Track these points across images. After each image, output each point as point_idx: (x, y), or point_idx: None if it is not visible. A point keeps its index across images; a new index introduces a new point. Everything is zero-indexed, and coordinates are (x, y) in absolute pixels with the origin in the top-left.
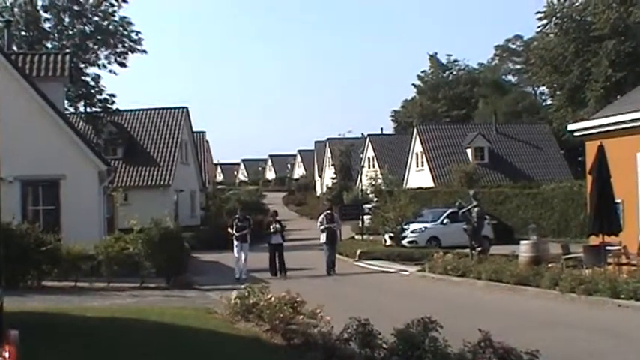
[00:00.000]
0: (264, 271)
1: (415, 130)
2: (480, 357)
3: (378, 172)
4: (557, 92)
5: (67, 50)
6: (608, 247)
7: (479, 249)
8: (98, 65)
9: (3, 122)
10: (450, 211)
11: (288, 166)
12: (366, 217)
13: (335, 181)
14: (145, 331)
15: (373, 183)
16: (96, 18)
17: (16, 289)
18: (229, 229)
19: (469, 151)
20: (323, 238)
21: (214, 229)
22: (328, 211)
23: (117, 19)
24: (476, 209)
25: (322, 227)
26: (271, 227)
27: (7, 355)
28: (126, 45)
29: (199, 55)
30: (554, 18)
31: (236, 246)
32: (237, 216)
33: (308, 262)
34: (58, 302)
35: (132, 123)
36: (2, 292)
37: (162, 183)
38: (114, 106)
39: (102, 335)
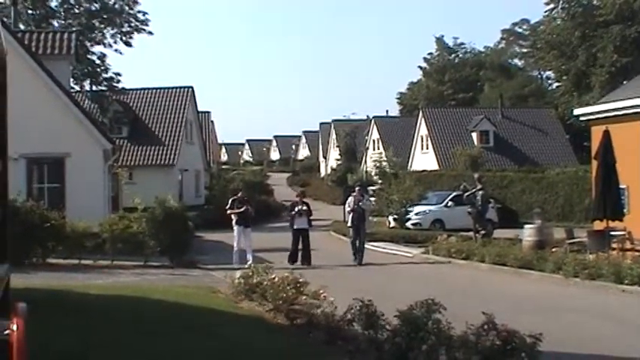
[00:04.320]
0: (270, 254)
1: (420, 112)
2: (483, 339)
3: (383, 154)
4: (563, 77)
5: (73, 29)
6: (612, 233)
7: (483, 232)
8: (104, 44)
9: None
10: (454, 194)
11: (293, 146)
12: (370, 199)
13: (339, 162)
14: (149, 310)
15: (378, 165)
16: None
17: (21, 266)
18: (230, 211)
19: (474, 135)
20: (350, 221)
21: (219, 209)
22: (357, 188)
23: None
24: (480, 192)
25: (349, 209)
26: (296, 209)
27: (14, 327)
28: (132, 25)
29: (205, 35)
30: (561, 2)
31: (236, 230)
32: (236, 196)
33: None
34: (62, 279)
35: (137, 102)
36: (9, 267)
37: (166, 162)
38: (119, 85)
39: (105, 313)
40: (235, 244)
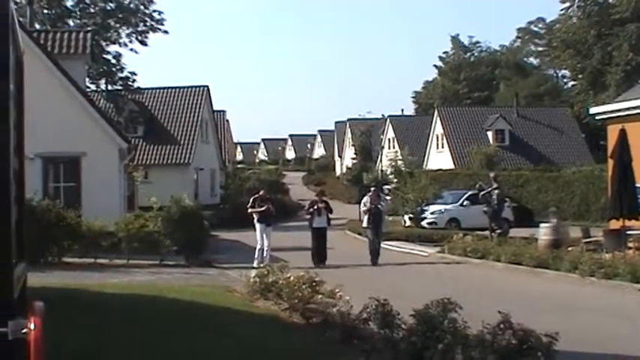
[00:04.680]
0: (287, 253)
1: (436, 111)
2: (499, 339)
3: (398, 153)
4: (579, 75)
5: (89, 28)
6: (628, 232)
7: (498, 231)
8: (119, 44)
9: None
10: (469, 193)
11: (308, 145)
12: (387, 199)
13: (355, 161)
14: (164, 309)
15: (393, 164)
16: None
17: (37, 265)
18: (251, 209)
19: (490, 134)
20: (366, 222)
21: (234, 208)
22: (373, 189)
23: None
24: (496, 191)
25: (365, 208)
26: (315, 207)
27: (32, 326)
28: (147, 24)
29: (220, 34)
30: (576, 1)
31: (258, 229)
32: (258, 195)
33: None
34: (77, 278)
35: (153, 101)
36: (26, 266)
37: (182, 161)
38: (135, 85)
39: (120, 311)
40: (258, 243)
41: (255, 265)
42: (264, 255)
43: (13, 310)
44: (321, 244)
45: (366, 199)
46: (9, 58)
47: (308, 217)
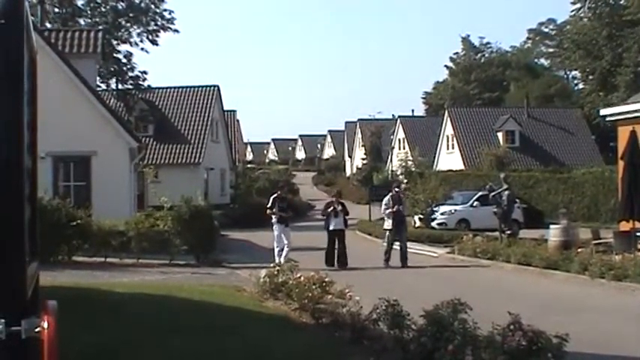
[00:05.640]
0: (297, 253)
1: (446, 112)
2: (509, 340)
3: (409, 154)
4: (590, 77)
5: (100, 27)
6: (638, 234)
7: (508, 232)
8: (130, 43)
9: None
10: (480, 193)
11: (318, 146)
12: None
13: (365, 161)
14: (174, 308)
15: (403, 164)
16: None
17: (47, 264)
18: (269, 210)
19: (500, 135)
20: (388, 224)
21: (244, 208)
22: (396, 189)
23: None
24: (506, 192)
25: (388, 210)
26: (331, 207)
27: (45, 325)
28: (158, 23)
29: (231, 34)
30: (587, 2)
31: (277, 230)
32: (277, 194)
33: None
34: (87, 277)
35: (163, 101)
36: (38, 265)
37: (192, 161)
38: (145, 84)
39: (131, 311)
40: (277, 244)
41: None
42: (285, 255)
43: (27, 309)
44: (341, 246)
45: (387, 198)
46: (24, 58)
47: (324, 218)
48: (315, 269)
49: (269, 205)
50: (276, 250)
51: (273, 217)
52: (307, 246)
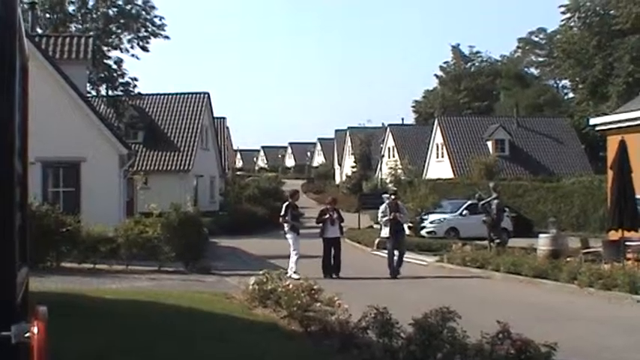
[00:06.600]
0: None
1: (436, 120)
2: (497, 348)
3: (398, 162)
4: (579, 86)
5: (91, 33)
6: (627, 243)
7: (497, 241)
8: (121, 49)
9: None
10: (469, 202)
11: (308, 153)
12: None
13: (355, 169)
14: (163, 315)
15: (393, 173)
16: (119, 1)
17: (35, 270)
18: (282, 218)
19: (489, 143)
20: (385, 232)
21: (233, 215)
22: (392, 196)
23: (140, 2)
24: (495, 201)
25: (385, 218)
26: (327, 215)
27: (35, 330)
28: (149, 29)
29: (221, 41)
30: (577, 11)
31: (291, 238)
32: (289, 202)
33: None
34: (76, 283)
35: (153, 107)
36: (28, 270)
37: (182, 168)
38: (135, 90)
39: (119, 317)
40: (295, 253)
41: (295, 276)
42: (295, 261)
43: (17, 314)
44: (336, 254)
45: (384, 206)
46: (16, 64)
47: (318, 225)
48: (313, 279)
49: (282, 213)
50: (295, 258)
51: (286, 225)
52: (301, 254)
